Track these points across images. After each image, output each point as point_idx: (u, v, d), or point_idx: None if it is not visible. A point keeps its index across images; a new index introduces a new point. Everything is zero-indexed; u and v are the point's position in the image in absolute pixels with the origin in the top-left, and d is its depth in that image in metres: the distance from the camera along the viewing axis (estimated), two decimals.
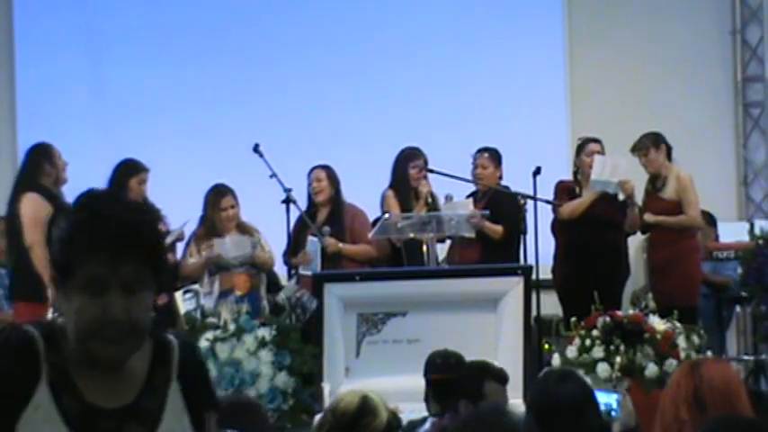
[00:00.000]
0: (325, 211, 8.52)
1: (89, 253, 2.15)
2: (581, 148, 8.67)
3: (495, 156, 8.71)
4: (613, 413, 5.62)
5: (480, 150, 8.74)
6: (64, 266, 2.18)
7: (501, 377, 5.48)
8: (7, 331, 2.22)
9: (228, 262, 8.32)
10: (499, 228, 8.38)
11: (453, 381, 5.51)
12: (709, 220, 9.69)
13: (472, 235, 8.25)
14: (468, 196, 8.66)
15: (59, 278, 2.20)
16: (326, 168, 8.59)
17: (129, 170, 8.42)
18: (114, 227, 2.16)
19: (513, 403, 5.42)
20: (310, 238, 8.28)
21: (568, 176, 8.83)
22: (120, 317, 2.15)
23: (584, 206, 8.45)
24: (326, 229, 8.30)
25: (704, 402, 3.47)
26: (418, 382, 5.86)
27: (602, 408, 4.69)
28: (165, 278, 2.23)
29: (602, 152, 8.58)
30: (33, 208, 7.89)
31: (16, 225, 7.94)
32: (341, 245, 8.29)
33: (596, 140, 8.69)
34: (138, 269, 2.17)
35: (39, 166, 8.06)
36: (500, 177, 8.72)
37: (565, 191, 8.61)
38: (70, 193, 8.31)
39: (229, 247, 8.30)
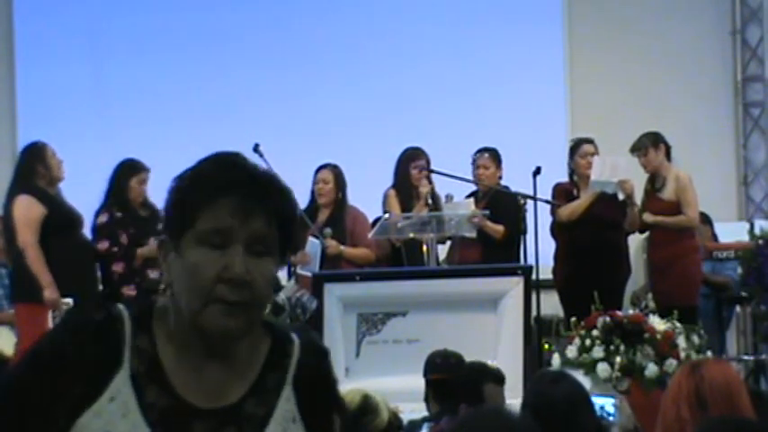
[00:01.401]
0: (326, 212, 8.52)
1: (216, 196, 1.87)
2: (574, 149, 8.68)
3: (495, 156, 8.71)
4: (611, 418, 5.61)
5: (480, 151, 8.75)
6: (180, 218, 1.89)
7: (499, 378, 5.48)
8: (89, 309, 1.93)
9: None
10: (500, 228, 8.38)
11: (453, 381, 5.51)
12: (705, 219, 9.69)
13: (473, 235, 8.25)
14: (469, 196, 8.66)
15: (171, 236, 1.90)
16: (335, 169, 8.55)
17: (129, 170, 8.42)
18: (248, 172, 1.91)
19: (511, 404, 5.42)
20: (311, 239, 8.27)
21: (568, 176, 8.84)
22: (242, 276, 1.85)
23: (583, 207, 8.46)
24: (328, 230, 8.29)
25: (705, 402, 3.48)
26: (418, 382, 5.86)
27: (599, 412, 4.69)
28: (293, 250, 2.01)
29: (596, 152, 8.59)
30: (25, 210, 7.89)
31: (11, 228, 7.95)
32: (342, 247, 8.29)
33: (589, 141, 8.69)
34: (268, 227, 1.89)
35: (31, 168, 8.06)
36: (500, 178, 8.72)
37: (562, 193, 8.61)
38: (69, 192, 8.31)
39: None
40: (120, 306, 1.93)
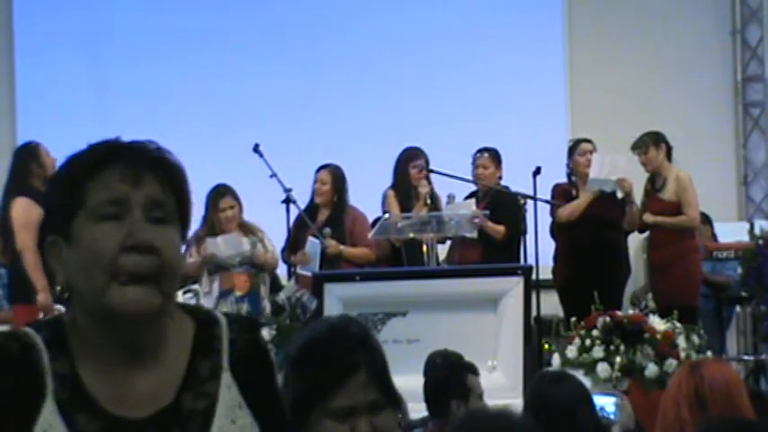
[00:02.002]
0: (326, 212, 8.52)
1: (102, 166, 1.75)
2: (573, 149, 8.68)
3: (495, 156, 8.71)
4: (612, 416, 5.61)
5: (480, 150, 8.74)
6: (66, 202, 1.74)
7: (474, 368, 5.49)
8: (0, 341, 1.75)
9: (226, 261, 8.32)
10: (501, 228, 8.38)
11: (439, 381, 5.50)
12: (705, 219, 9.69)
13: (474, 235, 8.24)
14: (469, 196, 8.65)
15: (60, 230, 1.75)
16: (334, 171, 8.55)
17: None
18: (132, 142, 1.83)
19: (512, 404, 5.42)
20: (310, 239, 8.27)
21: (567, 177, 8.83)
22: (147, 240, 1.71)
23: (583, 207, 8.45)
24: (328, 230, 8.29)
25: (705, 402, 3.48)
26: (418, 382, 5.86)
27: (601, 412, 4.69)
28: (189, 218, 1.81)
29: (594, 150, 8.59)
30: (23, 212, 7.88)
31: (8, 230, 7.95)
32: (342, 247, 8.29)
33: (588, 141, 8.69)
34: (163, 193, 1.76)
35: (26, 168, 8.05)
36: (500, 178, 8.72)
37: (562, 193, 8.61)
38: None
39: (221, 246, 8.30)
40: (30, 331, 1.75)
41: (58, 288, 1.79)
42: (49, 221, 1.78)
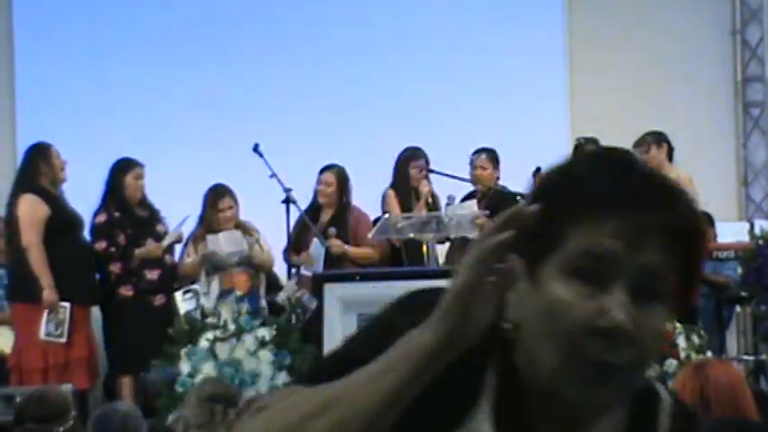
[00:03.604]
0: (329, 213, 8.52)
1: (596, 207, 1.35)
2: (577, 150, 8.67)
3: (493, 156, 8.71)
4: None
5: (478, 151, 8.74)
6: (541, 234, 1.37)
7: None
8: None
9: (224, 260, 8.31)
10: None
11: None
12: (708, 220, 9.68)
13: (476, 236, 8.22)
14: (467, 197, 8.65)
15: (526, 257, 1.37)
16: (338, 172, 8.55)
17: (124, 167, 8.44)
18: (643, 177, 1.39)
19: None
20: (315, 240, 8.27)
21: None
22: (624, 327, 1.33)
23: None
24: (332, 230, 8.29)
25: (709, 402, 3.47)
26: None
27: None
28: (691, 294, 1.40)
29: None
30: (30, 209, 7.89)
31: (13, 226, 7.95)
32: (346, 247, 8.28)
33: (594, 141, 8.68)
34: (665, 259, 1.35)
35: (36, 167, 8.07)
36: (497, 178, 8.71)
37: None
38: (70, 192, 8.31)
39: (222, 243, 8.30)
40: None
41: (504, 324, 1.40)
42: (521, 238, 1.35)
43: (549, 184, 1.42)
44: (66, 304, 7.87)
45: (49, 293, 7.78)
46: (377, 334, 1.47)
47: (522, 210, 1.37)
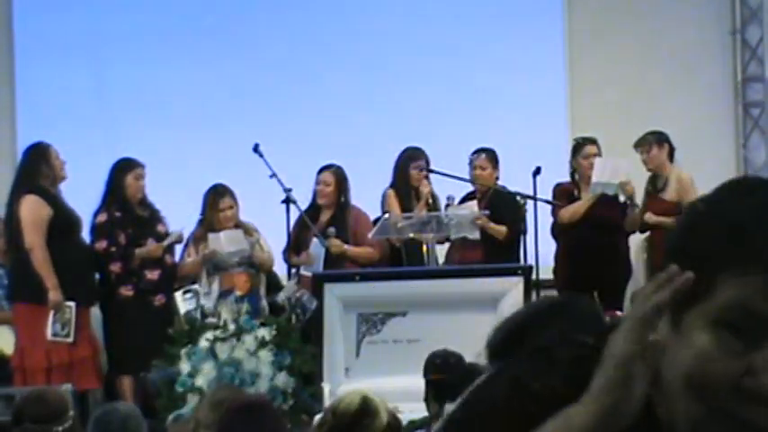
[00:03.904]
0: (328, 213, 8.52)
1: (751, 260, 1.25)
2: (577, 150, 8.68)
3: (492, 157, 8.71)
4: None
5: (477, 151, 8.74)
6: (696, 269, 1.27)
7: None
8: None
9: (225, 259, 8.31)
10: (503, 228, 8.37)
11: (449, 382, 5.50)
12: None
13: (476, 236, 8.24)
14: (467, 197, 8.65)
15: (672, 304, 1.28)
16: (337, 172, 8.56)
17: (124, 167, 8.45)
18: None
19: None
20: (315, 240, 8.27)
21: (568, 176, 8.83)
22: None
23: (584, 209, 8.47)
24: (332, 230, 8.30)
25: None
26: (418, 382, 5.86)
27: None
28: None
29: (599, 154, 8.59)
30: (32, 210, 7.89)
31: (14, 227, 7.94)
32: (346, 246, 8.29)
33: (593, 141, 8.68)
34: None
35: (36, 167, 8.07)
36: (497, 179, 8.71)
37: (564, 194, 8.61)
38: (70, 193, 8.31)
39: (223, 241, 8.31)
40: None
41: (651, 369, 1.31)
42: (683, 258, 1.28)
43: (702, 227, 1.30)
44: (72, 304, 7.88)
45: (54, 294, 7.79)
46: (507, 395, 1.40)
47: (678, 274, 1.27)
